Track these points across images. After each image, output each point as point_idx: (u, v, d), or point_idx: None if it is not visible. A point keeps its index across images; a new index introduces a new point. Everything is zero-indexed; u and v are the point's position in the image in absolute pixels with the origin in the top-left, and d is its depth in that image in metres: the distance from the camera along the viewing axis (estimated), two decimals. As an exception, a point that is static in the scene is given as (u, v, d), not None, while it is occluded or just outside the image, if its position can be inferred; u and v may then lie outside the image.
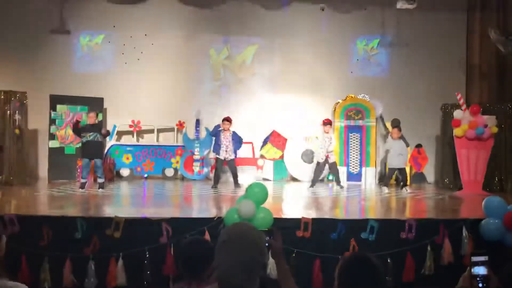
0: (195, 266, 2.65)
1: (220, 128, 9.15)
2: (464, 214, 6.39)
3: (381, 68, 11.49)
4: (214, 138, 9.32)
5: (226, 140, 9.01)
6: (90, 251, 4.85)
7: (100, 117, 10.03)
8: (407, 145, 9.19)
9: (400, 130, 8.95)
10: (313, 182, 9.16)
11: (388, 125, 10.32)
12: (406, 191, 8.65)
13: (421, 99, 10.91)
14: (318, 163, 9.23)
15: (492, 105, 9.51)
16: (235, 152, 9.12)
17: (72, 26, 10.87)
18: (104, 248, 4.89)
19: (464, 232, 5.19)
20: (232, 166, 9.10)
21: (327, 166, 9.22)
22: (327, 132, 9.11)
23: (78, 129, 8.16)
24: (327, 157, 9.03)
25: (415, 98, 10.96)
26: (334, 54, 11.29)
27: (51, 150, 9.92)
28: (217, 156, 9.10)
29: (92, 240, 4.89)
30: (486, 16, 10.97)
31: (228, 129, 9.08)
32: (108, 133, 8.79)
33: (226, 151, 9.00)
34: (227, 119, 9.11)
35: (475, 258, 3.09)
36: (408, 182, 10.07)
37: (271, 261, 3.97)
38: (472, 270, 3.06)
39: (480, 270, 3.06)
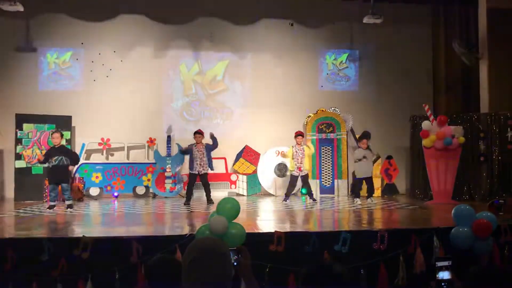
0: (164, 285, 2.58)
1: (192, 143, 9.04)
2: (434, 223, 6.45)
3: (350, 82, 11.68)
4: (187, 155, 9.16)
5: (199, 153, 8.89)
6: (58, 273, 4.69)
7: (68, 135, 9.83)
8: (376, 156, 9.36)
9: (368, 140, 9.09)
10: (287, 196, 9.15)
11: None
12: (372, 201, 8.73)
13: (390, 111, 11.12)
14: (291, 176, 9.23)
15: (459, 116, 9.75)
16: (210, 161, 8.94)
17: (39, 43, 10.69)
18: (72, 269, 4.73)
19: (435, 241, 5.25)
20: (205, 180, 8.97)
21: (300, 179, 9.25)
22: (300, 144, 9.15)
23: (45, 159, 7.93)
24: (299, 169, 9.05)
25: (384, 110, 11.17)
26: (304, 68, 11.44)
27: (18, 170, 9.65)
28: (191, 171, 8.97)
29: (59, 262, 4.73)
30: (449, 30, 11.34)
31: (201, 142, 8.99)
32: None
33: (200, 164, 8.87)
34: (199, 132, 9.04)
35: (439, 263, 3.13)
36: (380, 193, 10.19)
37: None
38: (437, 275, 3.10)
39: (445, 275, 3.10)
